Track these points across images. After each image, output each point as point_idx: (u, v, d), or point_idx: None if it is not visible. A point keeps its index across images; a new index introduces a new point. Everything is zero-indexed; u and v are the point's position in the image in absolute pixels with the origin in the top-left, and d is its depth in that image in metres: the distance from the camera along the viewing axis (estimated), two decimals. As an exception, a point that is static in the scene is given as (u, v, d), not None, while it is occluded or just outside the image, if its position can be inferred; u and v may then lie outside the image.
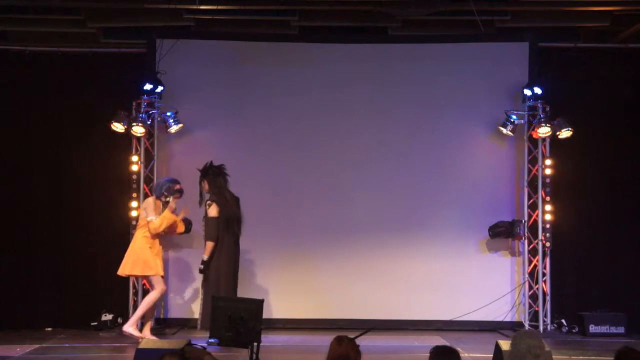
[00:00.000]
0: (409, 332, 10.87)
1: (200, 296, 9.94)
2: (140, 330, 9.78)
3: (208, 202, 9.71)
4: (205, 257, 9.67)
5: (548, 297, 11.10)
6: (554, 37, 11.50)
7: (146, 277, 9.88)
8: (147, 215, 9.68)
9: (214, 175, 9.84)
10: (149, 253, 9.65)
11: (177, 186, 9.83)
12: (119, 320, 10.71)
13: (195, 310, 10.56)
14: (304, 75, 11.44)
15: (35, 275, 11.15)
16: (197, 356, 5.15)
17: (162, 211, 9.71)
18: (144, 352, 6.63)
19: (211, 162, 9.95)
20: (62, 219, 11.24)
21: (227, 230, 9.73)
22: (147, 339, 9.10)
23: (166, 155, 11.15)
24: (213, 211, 9.67)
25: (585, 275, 11.45)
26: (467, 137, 11.40)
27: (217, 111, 11.37)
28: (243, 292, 10.51)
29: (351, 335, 5.03)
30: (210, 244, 9.66)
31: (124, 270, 9.73)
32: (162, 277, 9.83)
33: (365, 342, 5.13)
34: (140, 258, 9.63)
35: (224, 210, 9.70)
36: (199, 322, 9.76)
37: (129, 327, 9.67)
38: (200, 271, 9.72)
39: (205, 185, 9.86)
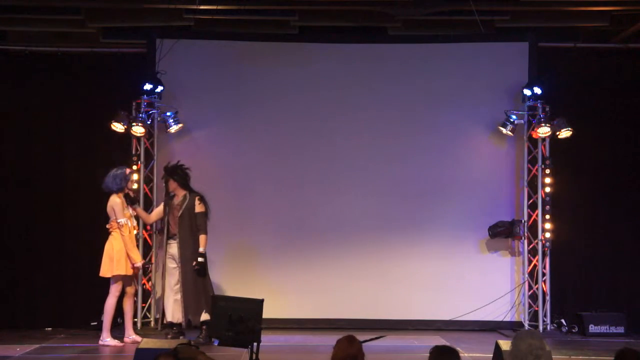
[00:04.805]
0: (409, 332, 10.86)
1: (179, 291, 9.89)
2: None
3: (198, 198, 9.81)
4: (202, 250, 9.73)
5: (548, 297, 11.10)
6: (554, 37, 11.50)
7: (123, 277, 9.73)
8: (117, 217, 9.65)
9: (180, 175, 9.91)
10: (124, 254, 9.63)
11: (127, 170, 9.96)
12: (119, 320, 10.69)
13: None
14: (304, 75, 11.43)
15: (35, 275, 11.15)
16: (191, 356, 5.14)
17: (126, 203, 9.76)
18: (144, 352, 6.63)
19: (177, 161, 10.05)
20: (62, 219, 11.25)
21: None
22: (147, 339, 9.08)
23: (166, 156, 11.11)
24: (201, 207, 9.81)
25: (585, 275, 11.47)
26: (467, 137, 11.41)
27: (217, 111, 11.37)
28: (243, 292, 10.50)
29: (359, 336, 5.01)
30: (204, 237, 9.75)
31: (119, 270, 9.65)
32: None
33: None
34: (122, 257, 9.62)
35: (208, 207, 9.87)
36: (186, 316, 9.78)
37: (130, 335, 9.77)
38: (200, 264, 9.70)
39: (172, 184, 9.91)
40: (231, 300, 6.72)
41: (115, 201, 9.68)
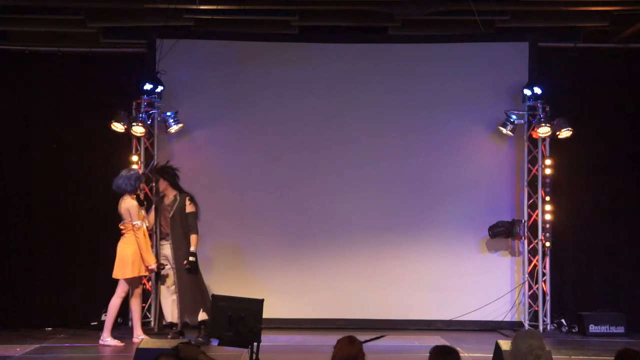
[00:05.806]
0: (409, 332, 10.86)
1: (174, 292, 9.88)
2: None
3: (188, 198, 9.85)
4: (193, 249, 9.75)
5: (548, 297, 11.10)
6: (554, 37, 11.50)
7: (132, 280, 9.76)
8: (133, 219, 9.65)
9: (170, 175, 9.95)
10: (138, 257, 9.65)
11: (140, 172, 10.09)
12: (119, 320, 10.69)
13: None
14: (304, 75, 11.44)
15: (35, 275, 11.15)
16: (192, 355, 5.14)
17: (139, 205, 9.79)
18: (144, 352, 6.63)
19: (167, 161, 10.14)
20: (61, 219, 11.24)
21: None
22: (147, 338, 9.09)
23: (166, 156, 11.10)
24: (192, 207, 9.85)
25: (585, 275, 11.47)
26: (467, 137, 11.41)
27: (217, 111, 11.37)
28: (242, 292, 10.49)
29: (359, 336, 5.01)
30: (195, 237, 9.78)
31: (133, 272, 9.66)
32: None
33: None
34: (137, 259, 9.62)
35: (198, 207, 9.90)
36: (182, 317, 9.77)
37: (139, 335, 9.76)
38: (191, 263, 9.69)
39: (163, 184, 9.95)
40: (231, 300, 6.71)
41: (132, 203, 9.68)
